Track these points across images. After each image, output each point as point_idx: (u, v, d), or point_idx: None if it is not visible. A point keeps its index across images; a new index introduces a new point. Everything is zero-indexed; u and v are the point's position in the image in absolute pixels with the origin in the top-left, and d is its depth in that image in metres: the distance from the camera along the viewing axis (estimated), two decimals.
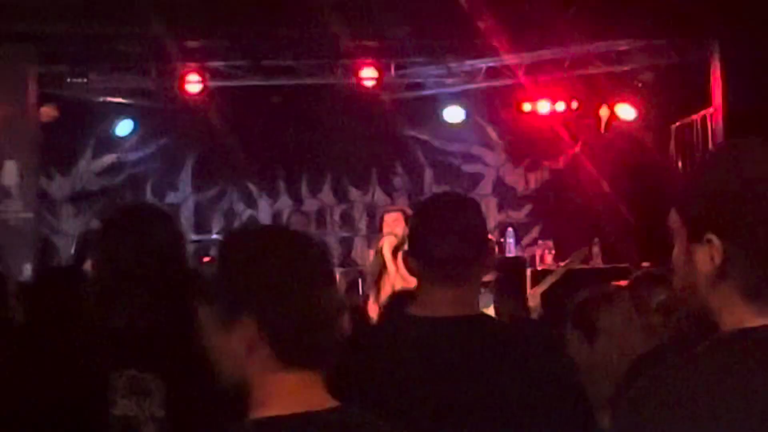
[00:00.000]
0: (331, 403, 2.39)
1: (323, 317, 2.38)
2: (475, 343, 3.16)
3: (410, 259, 3.30)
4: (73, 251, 13.96)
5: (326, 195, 16.60)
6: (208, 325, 2.42)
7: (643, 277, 5.32)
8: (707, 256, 2.07)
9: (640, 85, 14.47)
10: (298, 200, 16.53)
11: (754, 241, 2.04)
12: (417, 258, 3.27)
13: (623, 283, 5.88)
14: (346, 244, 16.32)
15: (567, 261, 13.10)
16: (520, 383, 3.10)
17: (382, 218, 11.24)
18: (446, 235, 3.19)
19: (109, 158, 16.23)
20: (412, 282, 3.49)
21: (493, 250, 3.44)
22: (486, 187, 16.38)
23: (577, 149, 15.80)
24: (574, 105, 15.15)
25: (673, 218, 2.20)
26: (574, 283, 6.77)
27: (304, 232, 2.79)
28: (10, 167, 11.89)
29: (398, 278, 9.25)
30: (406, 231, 5.02)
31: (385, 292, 8.87)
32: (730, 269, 2.06)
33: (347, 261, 15.95)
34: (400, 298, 5.36)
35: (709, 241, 2.06)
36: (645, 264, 10.81)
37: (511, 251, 14.19)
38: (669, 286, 5.18)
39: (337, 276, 4.43)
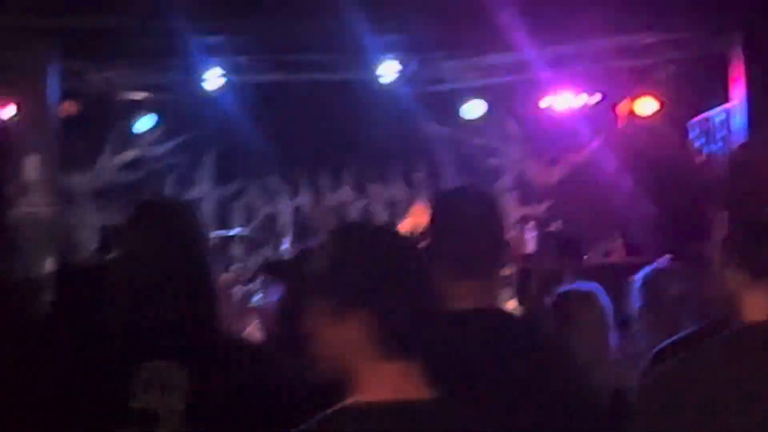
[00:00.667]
0: (430, 393, 2.49)
1: (428, 308, 2.54)
2: (491, 336, 3.15)
3: (429, 253, 3.29)
4: (95, 246, 14.02)
5: (346, 190, 16.60)
6: (319, 317, 2.52)
7: (660, 269, 5.29)
8: None
9: (660, 79, 14.41)
10: (318, 195, 16.53)
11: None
12: (435, 252, 3.25)
13: None
14: None
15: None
16: (534, 377, 3.09)
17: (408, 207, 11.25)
18: (464, 230, 3.18)
19: (130, 153, 16.27)
20: None
21: (510, 244, 3.45)
22: (507, 181, 16.35)
23: (597, 143, 15.75)
24: (595, 99, 15.11)
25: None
26: (595, 277, 6.73)
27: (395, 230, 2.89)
28: (32, 162, 11.91)
29: None
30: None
31: None
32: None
33: None
34: None
35: None
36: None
37: (532, 246, 14.16)
38: (686, 279, 5.17)
39: None
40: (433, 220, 3.35)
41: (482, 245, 3.18)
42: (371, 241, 2.61)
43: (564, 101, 15.05)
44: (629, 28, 12.80)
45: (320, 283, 2.53)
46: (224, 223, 16.03)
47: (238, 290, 12.09)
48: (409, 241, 2.69)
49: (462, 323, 3.15)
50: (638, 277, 5.24)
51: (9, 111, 12.95)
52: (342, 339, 2.48)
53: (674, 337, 3.95)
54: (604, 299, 5.11)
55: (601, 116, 15.34)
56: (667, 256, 9.92)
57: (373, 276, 2.51)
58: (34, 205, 11.89)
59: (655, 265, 5.42)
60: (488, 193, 3.59)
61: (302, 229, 15.97)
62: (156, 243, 3.38)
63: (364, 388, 2.46)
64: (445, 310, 3.21)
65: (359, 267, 2.53)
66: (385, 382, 2.45)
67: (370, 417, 2.41)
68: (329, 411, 2.44)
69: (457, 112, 15.91)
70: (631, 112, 14.92)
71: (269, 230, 16.35)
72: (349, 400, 2.45)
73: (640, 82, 14.59)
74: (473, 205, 3.26)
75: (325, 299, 2.51)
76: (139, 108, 15.77)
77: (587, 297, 5.07)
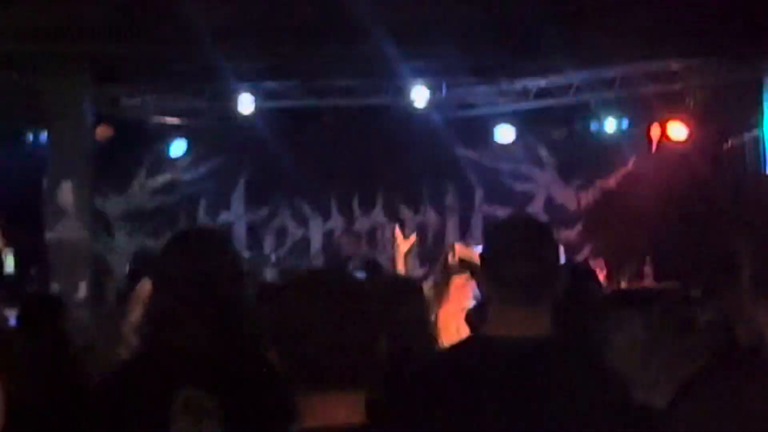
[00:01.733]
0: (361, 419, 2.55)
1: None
2: (545, 364, 3.18)
3: (483, 280, 3.34)
4: (127, 270, 14.10)
5: (377, 214, 16.64)
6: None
7: (689, 297, 5.31)
8: None
9: (692, 104, 14.40)
10: (349, 219, 16.58)
11: None
12: (490, 279, 3.30)
13: None
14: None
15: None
16: (583, 405, 3.12)
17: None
18: (519, 257, 3.22)
19: (163, 178, 16.39)
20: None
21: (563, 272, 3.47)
22: (537, 206, 16.35)
23: (628, 168, 15.75)
24: (625, 124, 15.12)
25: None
26: (626, 301, 6.73)
27: None
28: (67, 187, 12.01)
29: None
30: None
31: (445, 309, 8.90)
32: None
33: None
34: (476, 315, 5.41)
35: None
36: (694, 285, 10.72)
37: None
38: (715, 306, 5.18)
39: None
40: (487, 245, 3.41)
41: (535, 272, 3.22)
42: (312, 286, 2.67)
43: (594, 126, 15.05)
44: (660, 54, 12.82)
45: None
46: (255, 247, 16.09)
47: None
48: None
49: (510, 348, 3.19)
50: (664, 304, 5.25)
51: (44, 136, 13.11)
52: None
53: (704, 367, 3.96)
54: (635, 324, 5.12)
55: (632, 141, 15.34)
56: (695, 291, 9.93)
57: (279, 322, 2.62)
58: (68, 230, 11.98)
59: (681, 293, 5.44)
60: (541, 221, 3.63)
61: (334, 252, 16.02)
62: (191, 273, 3.42)
63: (306, 416, 2.56)
64: (496, 336, 3.26)
65: (271, 313, 2.64)
66: (318, 411, 2.54)
67: None
68: None
69: (487, 136, 15.95)
70: (662, 137, 14.91)
71: (301, 254, 16.40)
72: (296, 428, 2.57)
73: (671, 108, 14.58)
74: (526, 233, 3.31)
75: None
76: (172, 133, 15.89)
77: (620, 322, 5.08)
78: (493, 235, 3.46)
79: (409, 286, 4.61)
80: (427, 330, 4.44)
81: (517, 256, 3.22)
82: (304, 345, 2.54)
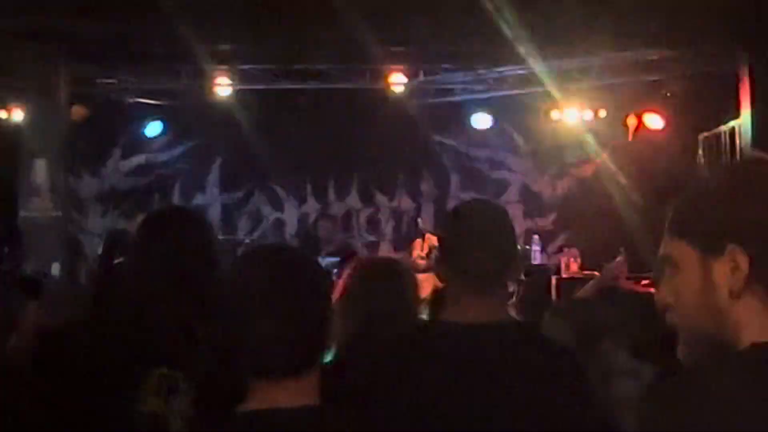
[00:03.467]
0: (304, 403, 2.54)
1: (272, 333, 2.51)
2: (502, 348, 3.21)
3: (441, 267, 3.36)
4: (100, 250, 14.04)
5: (353, 199, 16.65)
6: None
7: (601, 289, 5.34)
8: (728, 268, 2.02)
9: (668, 94, 14.45)
10: (324, 204, 16.59)
11: None
12: (448, 267, 3.33)
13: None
14: (372, 248, 16.36)
15: (598, 277, 13.06)
16: (542, 389, 3.16)
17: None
18: (476, 247, 3.24)
19: (137, 159, 16.35)
20: None
21: (521, 260, 3.51)
22: (512, 193, 16.39)
23: (604, 158, 15.79)
24: (602, 114, 15.16)
25: (673, 245, 2.16)
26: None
27: None
28: (40, 166, 12.00)
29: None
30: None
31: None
32: (755, 278, 2.01)
33: None
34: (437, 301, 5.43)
35: (732, 251, 2.02)
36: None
37: (537, 259, 14.20)
38: (623, 301, 5.23)
39: None
40: (445, 234, 3.42)
41: (491, 261, 3.24)
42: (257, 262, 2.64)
43: (571, 115, 15.09)
44: (637, 44, 12.87)
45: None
46: (230, 230, 16.07)
47: None
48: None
49: (467, 334, 3.22)
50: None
51: (19, 115, 13.05)
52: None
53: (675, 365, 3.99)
54: (599, 311, 5.14)
55: (608, 131, 15.38)
56: None
57: (220, 303, 2.59)
58: (42, 209, 11.96)
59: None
60: (499, 207, 3.64)
61: (309, 236, 16.02)
62: (167, 251, 3.44)
63: (252, 398, 2.55)
64: (453, 322, 3.29)
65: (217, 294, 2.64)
66: (264, 394, 2.52)
67: (239, 425, 2.52)
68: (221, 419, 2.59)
69: (464, 123, 15.97)
70: (639, 127, 14.97)
71: (276, 237, 16.38)
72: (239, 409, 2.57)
73: (647, 98, 14.63)
74: (484, 220, 3.33)
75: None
76: (148, 113, 15.84)
77: (573, 308, 5.11)
78: (451, 222, 3.48)
79: (396, 268, 4.60)
80: (412, 312, 4.43)
81: (474, 246, 3.25)
82: (244, 333, 2.51)
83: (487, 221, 3.33)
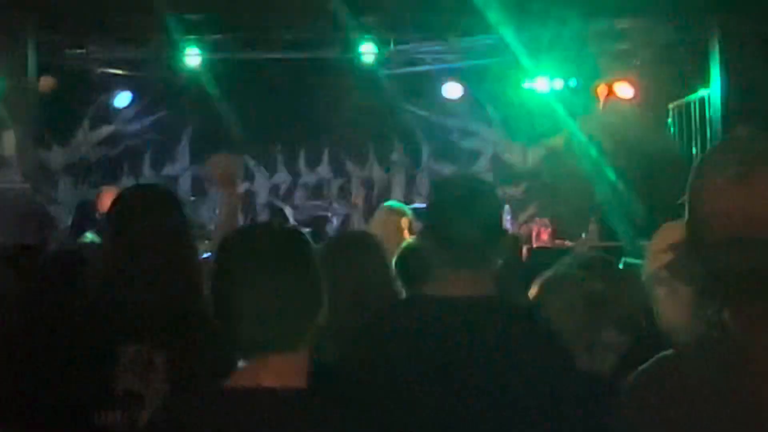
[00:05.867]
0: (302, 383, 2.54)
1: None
2: (487, 324, 3.19)
3: (425, 241, 3.33)
4: (70, 222, 13.97)
5: (324, 169, 16.61)
6: None
7: (583, 260, 5.33)
8: None
9: (638, 63, 14.46)
10: (295, 174, 16.55)
11: None
12: (432, 240, 3.30)
13: None
14: (344, 218, 16.34)
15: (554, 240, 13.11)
16: (525, 365, 3.14)
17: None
18: (462, 219, 3.22)
19: (107, 129, 16.26)
20: None
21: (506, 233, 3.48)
22: (483, 163, 16.39)
23: (574, 127, 15.79)
24: (573, 83, 15.16)
25: None
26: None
27: None
28: (9, 137, 11.90)
29: None
30: None
31: None
32: None
33: None
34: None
35: None
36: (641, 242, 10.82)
37: (508, 228, 14.20)
38: (609, 272, 5.24)
39: None
40: (428, 208, 3.40)
41: (476, 235, 3.21)
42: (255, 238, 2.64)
43: (542, 84, 15.07)
44: (608, 13, 12.86)
45: None
46: (201, 201, 16.00)
47: None
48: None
49: (451, 309, 3.20)
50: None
51: None
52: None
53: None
54: (583, 284, 5.12)
55: (578, 100, 15.39)
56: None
57: (212, 280, 2.60)
58: (10, 180, 11.87)
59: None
60: (485, 182, 3.61)
61: (279, 207, 15.97)
62: (142, 228, 3.42)
63: (239, 376, 2.57)
64: (437, 296, 3.27)
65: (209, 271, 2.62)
66: (245, 373, 2.55)
67: (230, 403, 2.50)
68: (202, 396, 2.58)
69: (435, 93, 15.94)
70: (609, 96, 14.98)
71: (246, 207, 16.33)
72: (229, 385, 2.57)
73: (618, 67, 14.64)
74: (468, 193, 3.31)
75: None
76: (117, 84, 15.74)
77: (562, 282, 5.09)
78: (435, 196, 3.45)
79: (369, 240, 4.58)
80: (391, 285, 4.40)
81: (458, 219, 3.22)
82: (236, 308, 2.51)
83: (471, 194, 3.31)
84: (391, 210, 8.13)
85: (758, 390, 1.96)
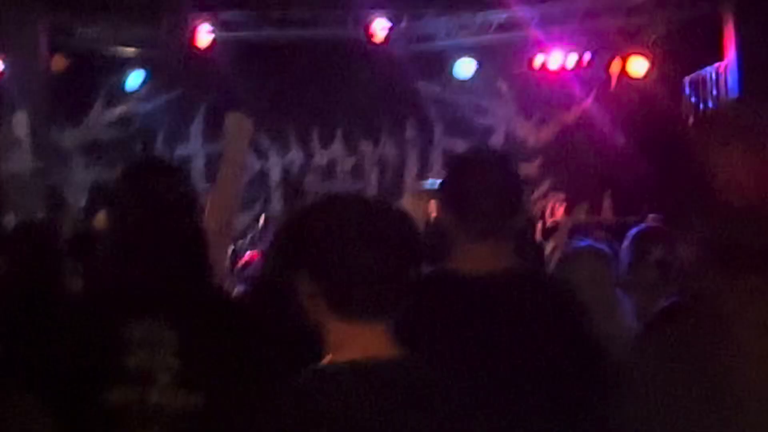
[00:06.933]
0: (397, 353, 2.48)
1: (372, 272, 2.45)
2: (511, 297, 3.15)
3: (445, 214, 3.28)
4: (84, 202, 13.99)
5: (337, 148, 16.57)
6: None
7: (643, 232, 5.33)
8: None
9: (652, 38, 14.39)
10: (308, 153, 16.51)
11: None
12: (452, 213, 3.25)
13: None
14: None
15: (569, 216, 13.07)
16: (549, 336, 3.11)
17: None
18: (484, 193, 3.17)
19: (120, 109, 16.21)
20: None
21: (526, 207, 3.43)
22: (497, 139, 16.32)
23: (588, 102, 15.75)
24: (586, 58, 15.09)
25: None
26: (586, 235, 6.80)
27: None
28: (21, 118, 11.89)
29: None
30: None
31: None
32: None
33: None
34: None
35: None
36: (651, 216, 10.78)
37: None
38: (667, 242, 5.22)
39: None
40: (447, 181, 3.34)
41: (497, 206, 3.17)
42: (329, 208, 2.57)
43: (555, 60, 15.01)
44: None
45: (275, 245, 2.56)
46: (214, 180, 15.96)
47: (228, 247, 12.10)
48: (379, 207, 2.62)
49: (474, 284, 3.16)
50: (627, 236, 5.29)
51: None
52: (303, 299, 2.52)
53: (671, 302, 3.97)
54: (599, 257, 5.12)
55: (592, 75, 15.33)
56: (654, 217, 9.98)
57: (316, 240, 2.51)
58: (22, 161, 11.87)
59: (641, 226, 5.47)
60: (504, 155, 3.55)
61: (292, 186, 15.96)
62: (145, 203, 3.38)
63: (332, 348, 2.48)
64: (458, 271, 3.22)
65: (304, 231, 2.53)
66: (348, 343, 2.46)
67: (333, 378, 2.43)
68: (301, 373, 2.47)
69: (447, 70, 15.88)
70: (623, 71, 14.91)
71: (260, 187, 16.32)
72: (324, 361, 2.48)
73: (632, 42, 14.57)
74: (488, 166, 3.26)
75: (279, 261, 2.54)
76: (130, 64, 15.70)
77: (582, 255, 5.09)
78: (454, 168, 3.39)
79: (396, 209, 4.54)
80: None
81: (479, 190, 3.17)
82: (336, 270, 2.46)
83: (492, 167, 3.26)
84: (418, 195, 8.09)
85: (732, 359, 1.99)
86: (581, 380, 3.08)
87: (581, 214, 13.46)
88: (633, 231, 5.33)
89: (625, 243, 5.20)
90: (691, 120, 13.86)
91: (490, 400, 2.62)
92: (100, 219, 9.37)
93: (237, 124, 4.30)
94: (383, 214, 2.55)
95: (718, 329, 2.03)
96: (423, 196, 7.99)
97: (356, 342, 2.46)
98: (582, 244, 5.34)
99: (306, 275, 2.50)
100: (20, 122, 11.90)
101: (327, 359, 2.48)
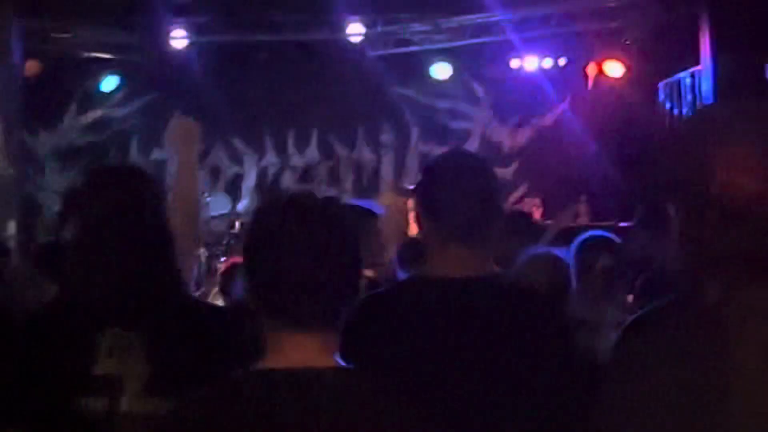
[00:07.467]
0: (328, 362, 2.43)
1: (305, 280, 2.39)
2: (487, 304, 3.13)
3: (423, 220, 3.25)
4: (58, 208, 13.91)
5: (313, 152, 16.55)
6: None
7: (588, 240, 5.30)
8: None
9: (628, 42, 14.42)
10: (284, 157, 16.49)
11: None
12: (429, 217, 3.22)
13: None
14: None
15: (557, 218, 13.07)
16: (525, 343, 3.09)
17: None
18: (461, 196, 3.14)
19: (94, 114, 16.19)
20: None
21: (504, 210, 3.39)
22: (473, 144, 16.31)
23: (564, 106, 15.79)
24: (562, 62, 15.12)
25: None
26: (560, 239, 6.79)
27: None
28: None
29: None
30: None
31: None
32: None
33: None
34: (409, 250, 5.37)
35: None
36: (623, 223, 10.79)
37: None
38: (614, 251, 5.21)
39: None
40: (423, 186, 3.28)
41: (475, 210, 3.14)
42: (278, 210, 2.49)
43: (531, 64, 15.04)
44: None
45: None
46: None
47: (201, 252, 12.06)
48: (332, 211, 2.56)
49: (450, 290, 3.14)
50: (572, 245, 5.26)
51: None
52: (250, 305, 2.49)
53: (649, 307, 3.96)
54: (555, 263, 5.10)
55: (568, 79, 15.36)
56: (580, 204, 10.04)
57: (253, 246, 2.48)
58: None
59: (586, 234, 5.44)
60: (480, 159, 3.52)
61: (267, 190, 15.94)
62: (111, 210, 3.35)
63: (268, 354, 2.44)
64: (435, 277, 3.20)
65: (246, 237, 2.50)
66: (287, 351, 2.42)
67: (262, 384, 2.40)
68: (225, 378, 2.46)
69: (423, 74, 15.89)
70: (599, 75, 14.94)
71: (234, 191, 16.31)
72: (257, 366, 2.45)
73: (607, 45, 14.61)
74: (466, 169, 3.23)
75: None
76: (104, 68, 15.67)
77: (547, 260, 5.07)
78: (431, 171, 3.35)
79: (367, 213, 4.50)
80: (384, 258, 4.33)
81: (457, 194, 3.15)
82: (274, 278, 2.41)
83: (470, 171, 3.22)
84: (396, 192, 8.13)
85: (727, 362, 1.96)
86: (550, 389, 3.06)
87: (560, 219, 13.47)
88: (578, 239, 5.30)
89: (571, 251, 5.17)
90: (666, 123, 13.90)
91: (445, 410, 2.60)
92: (71, 225, 9.34)
93: (183, 127, 4.24)
94: (322, 220, 2.46)
95: (702, 335, 2.00)
96: (401, 194, 8.01)
97: (288, 350, 2.42)
98: (539, 250, 5.30)
99: (247, 281, 2.47)
100: None
101: (258, 365, 2.44)
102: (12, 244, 10.42)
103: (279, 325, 2.43)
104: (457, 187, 3.15)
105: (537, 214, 13.84)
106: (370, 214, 4.82)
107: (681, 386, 1.97)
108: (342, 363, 2.45)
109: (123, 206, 3.35)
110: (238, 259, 9.81)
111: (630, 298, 6.16)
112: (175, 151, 4.16)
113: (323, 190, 15.93)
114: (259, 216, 2.53)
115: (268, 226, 2.47)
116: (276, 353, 2.43)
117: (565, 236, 6.48)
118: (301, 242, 2.40)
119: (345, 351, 2.48)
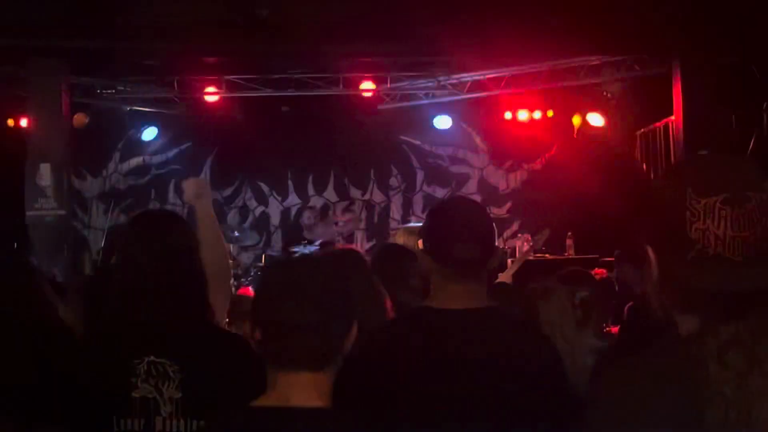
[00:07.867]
0: (318, 402, 2.49)
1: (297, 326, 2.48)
2: (486, 333, 3.15)
3: (426, 258, 3.28)
4: (102, 245, 14.00)
5: (330, 193, 16.59)
6: None
7: (567, 274, 5.29)
8: None
9: (608, 95, 14.45)
10: (305, 198, 16.53)
11: None
12: (433, 257, 3.24)
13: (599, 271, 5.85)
14: (348, 236, 16.31)
15: (531, 244, 13.07)
16: (522, 372, 3.10)
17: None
18: (461, 238, 3.16)
19: (135, 161, 16.28)
20: None
21: (499, 249, 3.41)
22: (471, 186, 16.38)
23: (552, 152, 15.83)
24: (550, 113, 15.16)
25: None
26: (536, 271, 6.79)
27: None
28: (45, 169, 11.86)
29: None
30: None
31: None
32: None
33: None
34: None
35: None
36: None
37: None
38: (591, 285, 5.19)
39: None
40: (427, 228, 3.32)
41: (474, 252, 3.17)
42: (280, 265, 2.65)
43: (522, 115, 15.10)
44: (580, 52, 12.89)
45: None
46: (220, 222, 15.94)
47: (231, 283, 12.07)
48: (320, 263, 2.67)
49: (450, 319, 3.17)
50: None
51: (26, 122, 12.95)
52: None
53: (627, 338, 3.96)
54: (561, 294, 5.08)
55: (556, 129, 15.40)
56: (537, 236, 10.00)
57: (256, 295, 2.60)
58: (47, 208, 11.84)
59: (565, 270, 5.42)
60: (478, 204, 3.56)
61: (291, 228, 15.98)
62: (149, 250, 3.39)
63: (267, 392, 2.52)
64: (437, 308, 3.22)
65: (255, 287, 2.63)
66: (277, 390, 2.49)
67: (253, 420, 2.46)
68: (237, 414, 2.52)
69: (427, 124, 15.94)
70: (583, 125, 14.96)
71: (261, 229, 16.36)
72: (255, 404, 2.52)
73: (590, 99, 14.63)
74: (466, 213, 3.26)
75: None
76: (144, 120, 15.75)
77: (545, 293, 5.05)
78: (435, 216, 3.38)
79: (354, 257, 4.49)
80: (380, 301, 4.29)
81: (458, 237, 3.17)
82: (270, 323, 2.50)
83: (468, 214, 3.26)
84: (410, 231, 8.10)
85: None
86: (546, 420, 3.07)
87: (546, 253, 13.46)
88: (556, 274, 5.29)
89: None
90: (643, 168, 13.90)
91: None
92: (114, 262, 9.36)
93: (195, 186, 4.34)
94: (316, 275, 2.57)
95: (679, 367, 1.99)
96: (413, 234, 8.01)
97: (283, 389, 2.49)
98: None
99: (251, 325, 2.56)
100: (45, 173, 11.87)
101: (255, 403, 2.50)
102: (61, 278, 10.43)
103: (276, 367, 2.52)
104: (457, 233, 3.18)
105: (526, 248, 13.81)
106: (410, 255, 4.88)
107: (658, 417, 1.96)
108: (333, 400, 2.52)
109: (161, 247, 3.39)
110: (246, 289, 9.84)
111: (611, 327, 6.15)
112: (193, 207, 4.27)
113: (340, 227, 15.96)
114: (263, 275, 2.69)
115: (269, 283, 2.59)
116: (271, 389, 2.51)
117: (551, 269, 6.49)
118: (293, 297, 2.50)
119: (360, 375, 2.52)
